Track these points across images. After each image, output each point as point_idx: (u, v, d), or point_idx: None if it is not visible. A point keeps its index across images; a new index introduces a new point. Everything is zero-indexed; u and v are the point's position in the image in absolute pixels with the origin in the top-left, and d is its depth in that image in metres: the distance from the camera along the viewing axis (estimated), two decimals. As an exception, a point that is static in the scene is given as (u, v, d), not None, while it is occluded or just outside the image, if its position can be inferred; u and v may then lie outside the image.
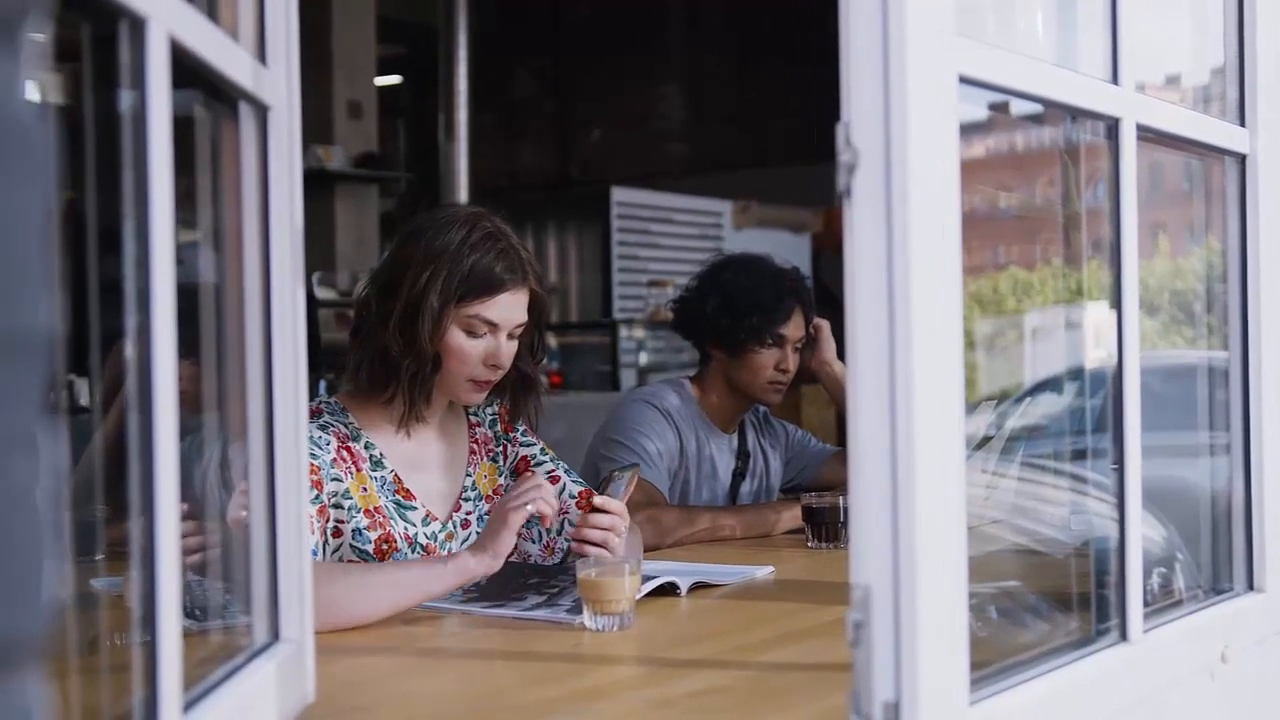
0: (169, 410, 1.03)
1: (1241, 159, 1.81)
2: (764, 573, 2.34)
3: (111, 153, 1.03)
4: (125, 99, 1.02)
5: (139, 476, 1.02)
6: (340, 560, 2.13)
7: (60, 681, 0.89)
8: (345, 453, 2.16)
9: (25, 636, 0.57)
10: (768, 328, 2.98)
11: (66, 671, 1.10)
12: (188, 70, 1.12)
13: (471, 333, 2.19)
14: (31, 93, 0.59)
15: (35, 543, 0.58)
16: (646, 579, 2.03)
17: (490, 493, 2.36)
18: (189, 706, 1.10)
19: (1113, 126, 1.52)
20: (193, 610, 1.35)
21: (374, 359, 2.19)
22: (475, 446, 2.38)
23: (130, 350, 1.02)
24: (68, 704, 1.09)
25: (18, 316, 0.56)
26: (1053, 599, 1.73)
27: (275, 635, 1.38)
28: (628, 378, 7.38)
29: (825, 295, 4.40)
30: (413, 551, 2.20)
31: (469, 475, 2.34)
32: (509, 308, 2.20)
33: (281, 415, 1.39)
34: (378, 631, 1.89)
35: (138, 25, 1.00)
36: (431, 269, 2.15)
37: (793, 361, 3.02)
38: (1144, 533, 1.56)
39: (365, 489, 2.18)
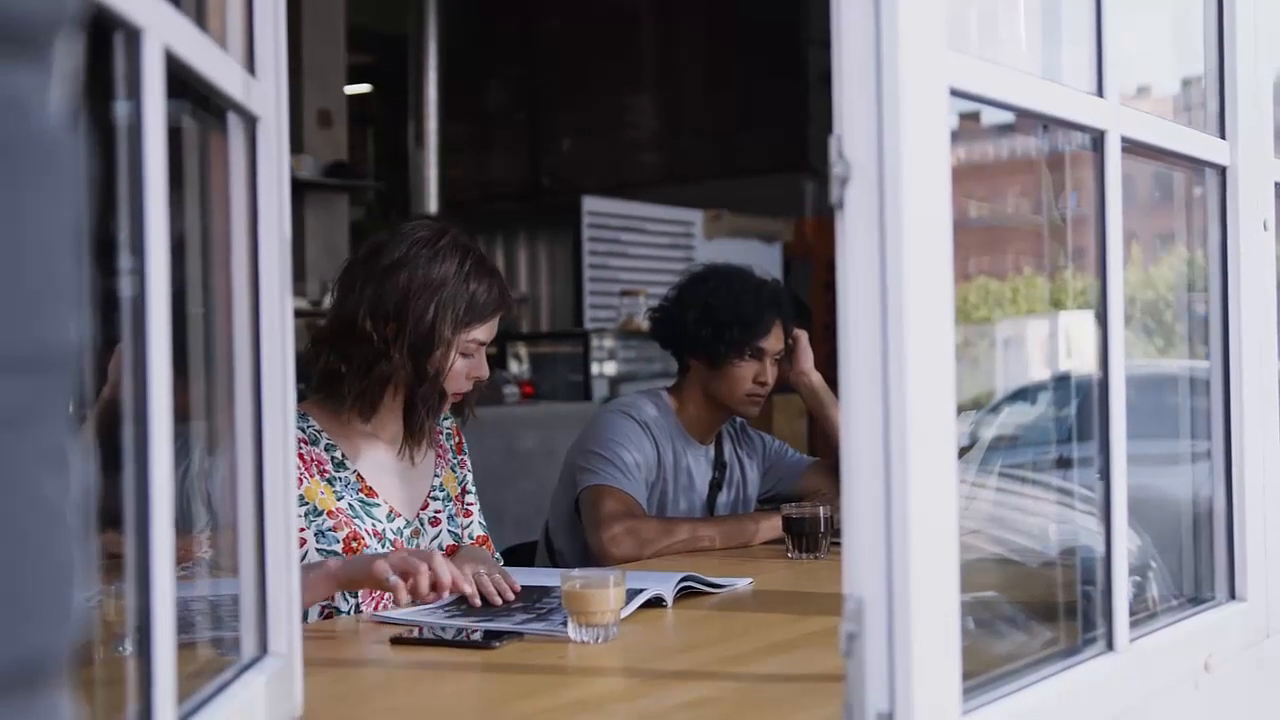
0: (163, 421, 1.02)
1: (1222, 170, 1.82)
2: (744, 584, 2.34)
3: (106, 162, 1.02)
4: (119, 109, 1.02)
5: (133, 489, 1.01)
6: None
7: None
8: (298, 458, 2.18)
9: (60, 651, 0.57)
10: (748, 341, 2.98)
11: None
12: (176, 80, 1.11)
13: (465, 354, 2.29)
14: (61, 107, 0.59)
15: (67, 558, 0.57)
16: (632, 593, 2.03)
17: (453, 495, 2.45)
18: (181, 721, 1.09)
19: (1098, 138, 1.53)
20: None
21: (378, 385, 2.25)
22: (440, 450, 2.46)
23: (125, 361, 1.02)
24: None
25: (49, 331, 0.56)
26: (1034, 609, 1.74)
27: (264, 649, 1.37)
28: (600, 388, 7.36)
29: (795, 305, 4.40)
30: (381, 547, 2.25)
31: (437, 476, 2.42)
32: (495, 326, 2.33)
33: (270, 426, 1.38)
34: (365, 646, 1.89)
35: (133, 36, 0.99)
36: (437, 301, 2.23)
37: (771, 374, 3.02)
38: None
39: (323, 492, 2.23)
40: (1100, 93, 1.52)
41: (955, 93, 1.25)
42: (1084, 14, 1.56)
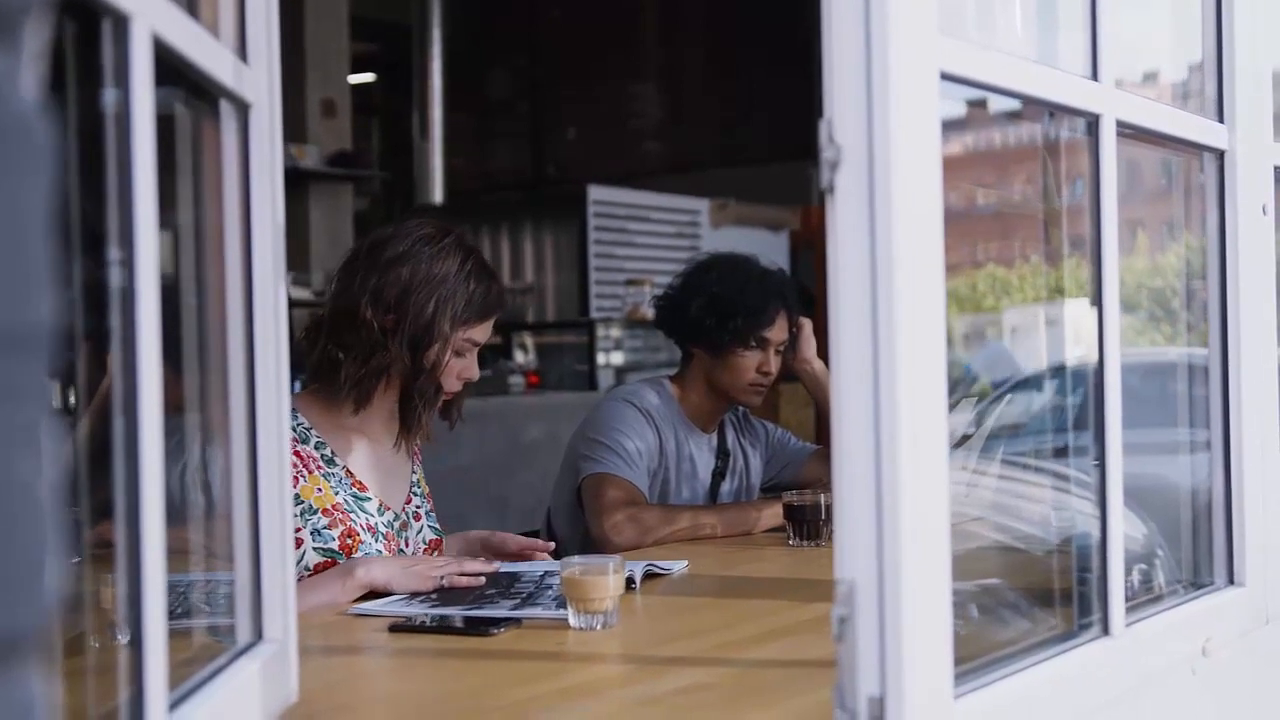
0: (153, 410, 1.02)
1: (1220, 155, 1.82)
2: (679, 567, 2.37)
3: (94, 151, 1.03)
4: (107, 96, 1.02)
5: (124, 478, 1.01)
6: (305, 568, 2.17)
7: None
8: (294, 457, 2.20)
9: (30, 631, 0.57)
10: (752, 330, 2.97)
11: (48, 673, 1.09)
12: (168, 68, 1.11)
13: (458, 353, 2.32)
14: (32, 90, 0.59)
15: (39, 538, 0.58)
16: None
17: (426, 494, 2.50)
18: (174, 706, 1.10)
19: (1093, 123, 1.52)
20: (172, 609, 1.35)
21: (374, 376, 2.28)
22: (416, 450, 2.49)
23: (114, 352, 1.02)
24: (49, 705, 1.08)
25: (22, 312, 0.56)
26: (1035, 595, 1.74)
27: (259, 635, 1.37)
28: (605, 377, 7.36)
29: (802, 294, 4.40)
30: (375, 540, 2.28)
31: (414, 474, 2.47)
32: (490, 328, 2.37)
33: (264, 416, 1.38)
34: (360, 633, 1.89)
35: (121, 23, 0.99)
36: (437, 296, 2.26)
37: (774, 364, 3.02)
38: (1124, 529, 1.57)
39: (320, 489, 2.26)
40: (1095, 76, 1.52)
41: (946, 77, 1.25)
42: (1080, -2, 1.55)
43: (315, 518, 2.22)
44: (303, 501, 2.21)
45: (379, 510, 2.32)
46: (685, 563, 2.41)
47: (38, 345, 0.58)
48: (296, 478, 2.21)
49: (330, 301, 2.36)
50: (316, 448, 2.29)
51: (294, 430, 2.26)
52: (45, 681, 0.60)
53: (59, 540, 0.60)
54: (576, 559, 1.95)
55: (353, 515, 2.26)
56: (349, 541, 2.23)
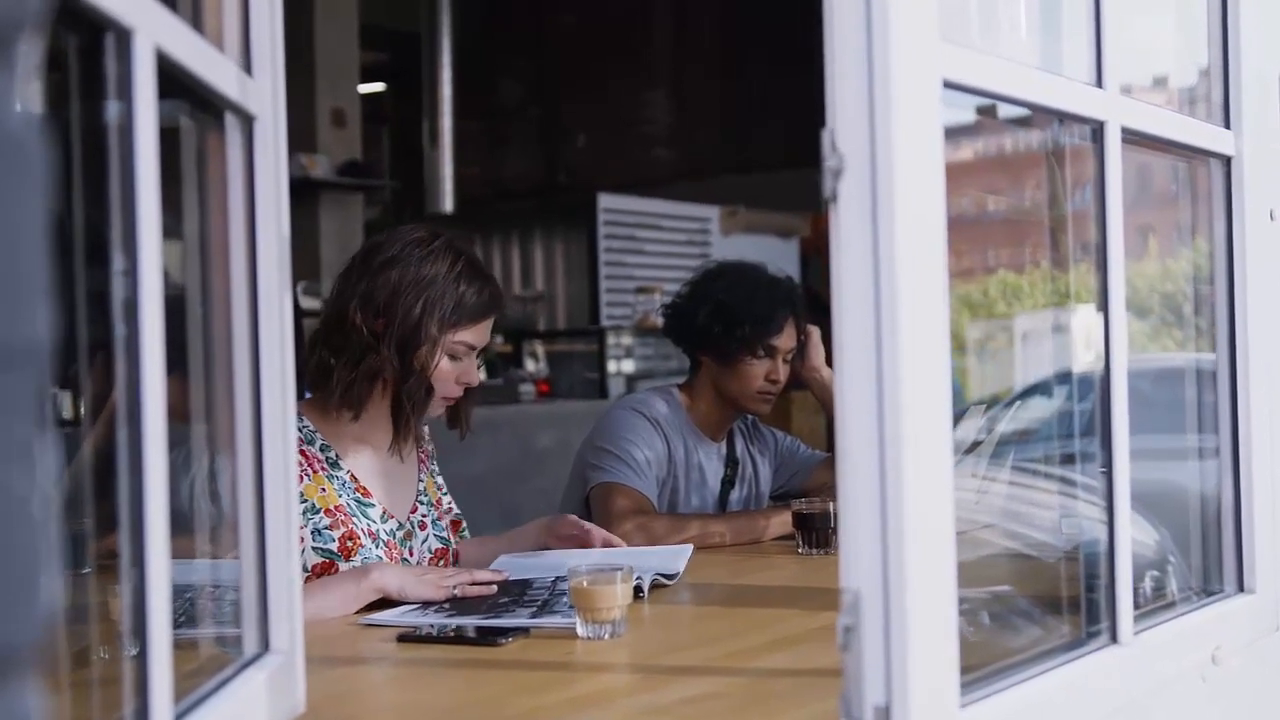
0: (157, 422, 1.02)
1: (1227, 161, 1.81)
2: (685, 552, 2.40)
3: (98, 163, 1.03)
4: (111, 109, 1.02)
5: (128, 489, 1.01)
6: (304, 568, 2.18)
7: (49, 694, 0.88)
8: (299, 456, 2.20)
9: (23, 645, 0.57)
10: (760, 339, 2.97)
11: (57, 685, 1.09)
12: (173, 80, 1.12)
13: (453, 356, 2.31)
14: (27, 105, 0.60)
15: (33, 552, 0.58)
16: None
17: (434, 501, 2.48)
18: (179, 717, 1.10)
19: (1098, 130, 1.52)
20: (178, 619, 1.35)
21: (365, 379, 2.28)
22: (423, 457, 2.49)
23: (118, 363, 1.02)
24: (58, 716, 1.08)
25: (16, 327, 0.57)
26: (1044, 602, 1.73)
27: (265, 646, 1.37)
28: (615, 385, 7.36)
29: (813, 300, 4.37)
30: (376, 546, 2.28)
31: (420, 481, 2.46)
32: (487, 331, 2.35)
33: (270, 426, 1.38)
34: (368, 643, 1.89)
35: (124, 36, 1.00)
36: (424, 298, 2.26)
37: (783, 372, 3.02)
38: (1135, 536, 1.56)
39: (324, 489, 2.27)
40: (1099, 83, 1.52)
41: (949, 84, 1.25)
42: (1084, 4, 1.55)
43: (317, 517, 2.23)
44: (305, 500, 2.21)
45: (382, 517, 2.32)
46: (690, 547, 2.43)
47: (33, 360, 0.58)
48: (300, 476, 2.21)
49: (325, 309, 2.37)
50: (322, 450, 2.30)
51: (300, 432, 2.26)
52: (42, 695, 0.60)
53: (54, 555, 0.60)
54: (584, 568, 1.95)
55: (354, 519, 2.27)
56: (349, 544, 2.24)
